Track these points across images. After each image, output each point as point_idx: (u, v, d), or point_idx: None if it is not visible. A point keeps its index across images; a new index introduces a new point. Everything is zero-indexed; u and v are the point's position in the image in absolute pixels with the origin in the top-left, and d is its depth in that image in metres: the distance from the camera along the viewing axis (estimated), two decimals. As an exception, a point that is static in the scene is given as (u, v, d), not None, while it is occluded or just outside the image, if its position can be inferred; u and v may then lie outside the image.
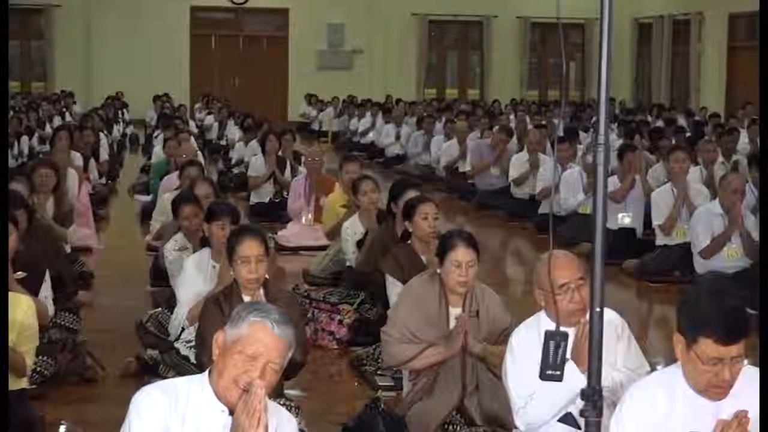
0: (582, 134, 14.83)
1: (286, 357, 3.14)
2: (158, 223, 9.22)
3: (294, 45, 26.29)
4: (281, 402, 4.23)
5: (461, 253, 4.89)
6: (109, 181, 13.64)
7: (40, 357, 5.36)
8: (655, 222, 9.00)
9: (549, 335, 3.31)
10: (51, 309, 5.87)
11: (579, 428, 3.84)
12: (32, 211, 7.01)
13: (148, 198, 11.66)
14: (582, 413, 3.11)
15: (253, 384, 3.00)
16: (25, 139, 14.82)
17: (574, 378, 3.66)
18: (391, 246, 6.60)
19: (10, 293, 4.63)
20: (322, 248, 8.79)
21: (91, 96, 23.90)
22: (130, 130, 21.11)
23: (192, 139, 13.11)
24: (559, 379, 3.31)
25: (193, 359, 5.51)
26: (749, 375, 3.21)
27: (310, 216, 9.87)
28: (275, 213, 11.04)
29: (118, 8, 24.61)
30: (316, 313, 6.78)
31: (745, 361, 3.17)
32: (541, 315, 4.13)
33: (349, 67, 26.30)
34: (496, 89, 26.18)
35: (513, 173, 12.06)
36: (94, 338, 6.39)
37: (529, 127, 14.34)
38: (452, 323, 4.92)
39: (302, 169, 10.92)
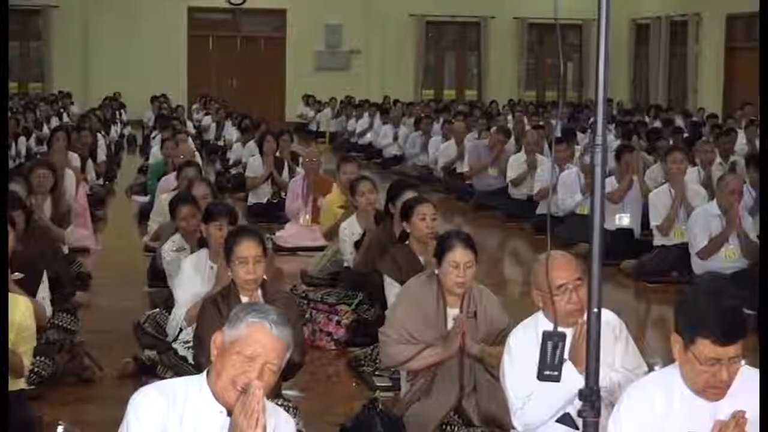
0: (579, 135, 14.85)
1: (284, 358, 3.13)
2: (156, 224, 9.23)
3: (291, 46, 26.29)
4: (279, 402, 4.23)
5: (459, 254, 4.89)
6: (107, 182, 13.63)
7: (38, 358, 5.36)
8: (653, 222, 9.01)
9: (547, 336, 3.31)
10: (49, 310, 5.87)
11: (577, 429, 3.84)
12: (30, 212, 7.01)
13: (145, 199, 11.65)
14: (580, 414, 3.11)
15: (251, 385, 3.00)
16: (22, 139, 14.80)
17: (572, 378, 3.66)
18: (388, 247, 6.60)
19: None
20: (320, 249, 8.79)
21: (89, 97, 23.90)
22: (127, 130, 21.11)
23: (189, 139, 13.11)
24: (556, 379, 3.31)
25: (191, 360, 5.51)
26: (747, 375, 3.21)
27: (307, 217, 9.87)
28: (273, 214, 11.04)
29: (116, 9, 24.60)
30: (314, 314, 6.78)
31: (743, 362, 3.17)
32: (539, 315, 4.14)
33: (347, 67, 26.30)
34: (494, 90, 26.19)
35: (511, 174, 12.06)
36: (92, 339, 6.39)
37: (527, 127, 14.35)
38: (450, 324, 4.92)
39: (300, 169, 10.91)
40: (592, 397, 3.05)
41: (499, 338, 4.81)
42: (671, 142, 12.24)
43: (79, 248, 9.08)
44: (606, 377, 3.79)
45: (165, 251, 6.99)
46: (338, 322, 6.69)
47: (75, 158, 11.41)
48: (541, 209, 10.99)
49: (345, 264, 7.74)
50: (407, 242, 6.34)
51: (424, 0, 26.03)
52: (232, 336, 3.09)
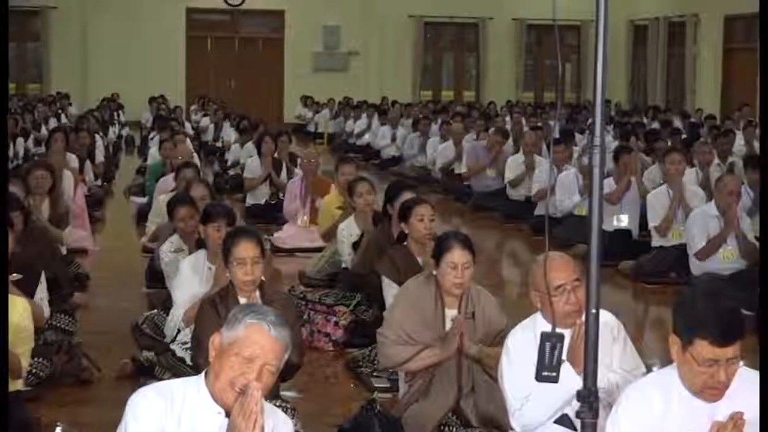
0: (578, 136, 14.85)
1: (283, 359, 3.13)
2: (154, 225, 9.22)
3: (290, 47, 26.29)
4: (277, 404, 4.23)
5: (457, 255, 4.89)
6: (105, 183, 13.62)
7: (36, 359, 5.35)
8: (651, 223, 9.01)
9: (545, 337, 3.31)
10: (46, 311, 5.87)
11: (575, 430, 3.84)
12: (28, 213, 7.00)
13: (143, 200, 11.65)
14: (578, 414, 3.12)
15: (249, 386, 3.00)
16: (20, 140, 14.77)
17: (570, 379, 3.66)
18: (386, 248, 6.60)
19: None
20: (318, 250, 8.79)
21: (87, 98, 23.89)
22: (125, 131, 21.10)
23: (188, 140, 13.09)
24: (555, 380, 3.31)
25: (189, 361, 5.50)
26: (745, 377, 3.21)
27: (305, 218, 9.87)
28: (271, 215, 11.04)
29: (114, 10, 24.60)
30: (312, 315, 6.77)
31: (741, 363, 3.17)
32: (537, 316, 4.14)
33: (345, 68, 26.31)
34: (492, 91, 26.19)
35: (509, 175, 12.06)
36: (90, 340, 6.38)
37: (525, 128, 14.35)
38: (448, 325, 4.92)
39: (298, 170, 10.92)
40: (590, 398, 3.05)
41: (497, 339, 4.80)
42: (669, 143, 12.24)
43: (78, 249, 9.08)
44: (604, 378, 3.79)
45: (163, 252, 6.99)
46: (336, 323, 6.69)
47: (73, 159, 11.41)
48: (539, 210, 10.99)
49: (343, 265, 7.74)
50: (405, 243, 6.34)
51: (422, 1, 26.04)
52: (230, 337, 3.09)
